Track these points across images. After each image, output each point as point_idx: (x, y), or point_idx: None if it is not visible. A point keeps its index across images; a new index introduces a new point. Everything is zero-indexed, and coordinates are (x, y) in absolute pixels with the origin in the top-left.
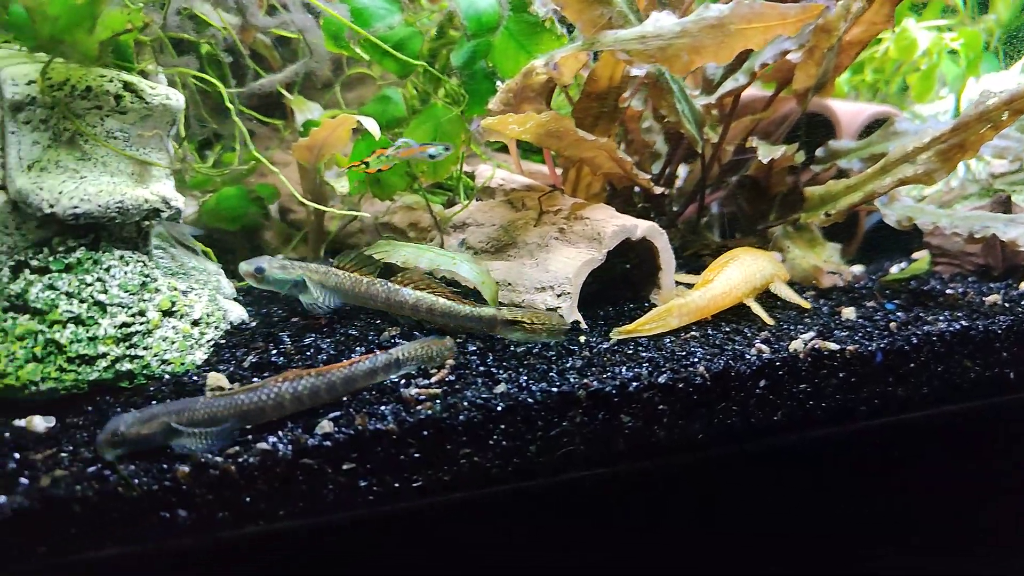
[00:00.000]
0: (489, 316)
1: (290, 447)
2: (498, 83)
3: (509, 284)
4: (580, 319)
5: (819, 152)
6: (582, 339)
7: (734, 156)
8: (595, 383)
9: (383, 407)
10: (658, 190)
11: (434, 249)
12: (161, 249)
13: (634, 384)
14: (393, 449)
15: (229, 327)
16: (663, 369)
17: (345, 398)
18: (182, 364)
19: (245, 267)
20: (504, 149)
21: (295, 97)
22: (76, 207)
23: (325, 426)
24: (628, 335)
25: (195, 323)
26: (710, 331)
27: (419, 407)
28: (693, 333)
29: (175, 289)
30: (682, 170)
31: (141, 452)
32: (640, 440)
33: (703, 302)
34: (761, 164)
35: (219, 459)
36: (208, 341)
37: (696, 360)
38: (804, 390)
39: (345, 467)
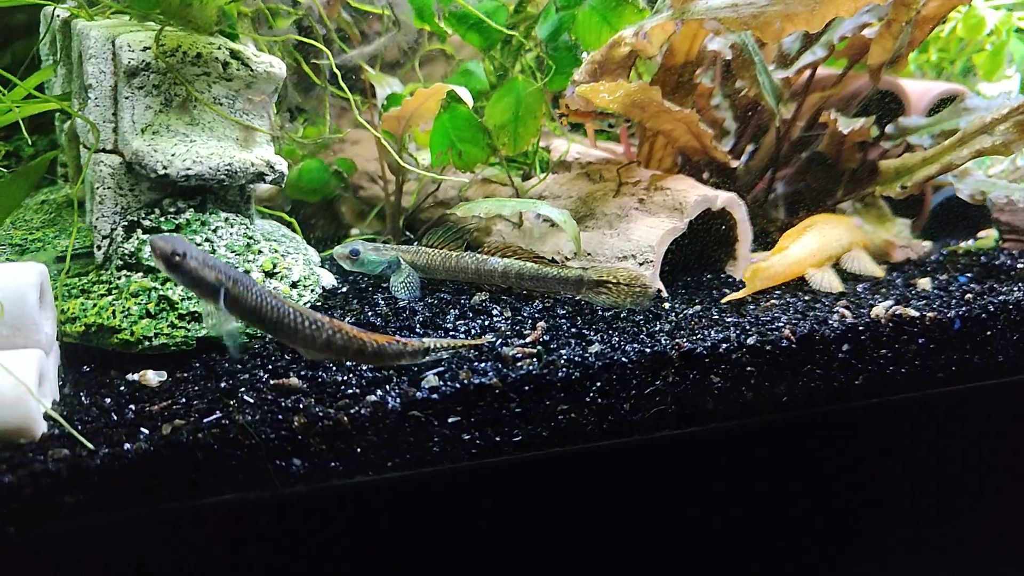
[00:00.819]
0: (576, 276)
1: (398, 400)
2: (583, 55)
3: (589, 254)
4: (662, 287)
5: (889, 128)
6: (666, 305)
7: (803, 133)
8: (687, 344)
9: (483, 364)
10: (735, 163)
11: (513, 199)
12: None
13: (723, 346)
14: (496, 404)
15: (322, 291)
16: (750, 332)
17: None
18: None
19: (340, 250)
20: (575, 128)
21: (375, 72)
22: (188, 168)
23: (431, 380)
24: (735, 300)
25: (294, 285)
26: (788, 298)
27: (518, 364)
28: (773, 300)
29: (275, 251)
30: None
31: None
32: (728, 400)
33: (781, 268)
34: (832, 140)
35: (331, 410)
36: (305, 303)
37: (781, 324)
38: (885, 355)
39: (450, 420)
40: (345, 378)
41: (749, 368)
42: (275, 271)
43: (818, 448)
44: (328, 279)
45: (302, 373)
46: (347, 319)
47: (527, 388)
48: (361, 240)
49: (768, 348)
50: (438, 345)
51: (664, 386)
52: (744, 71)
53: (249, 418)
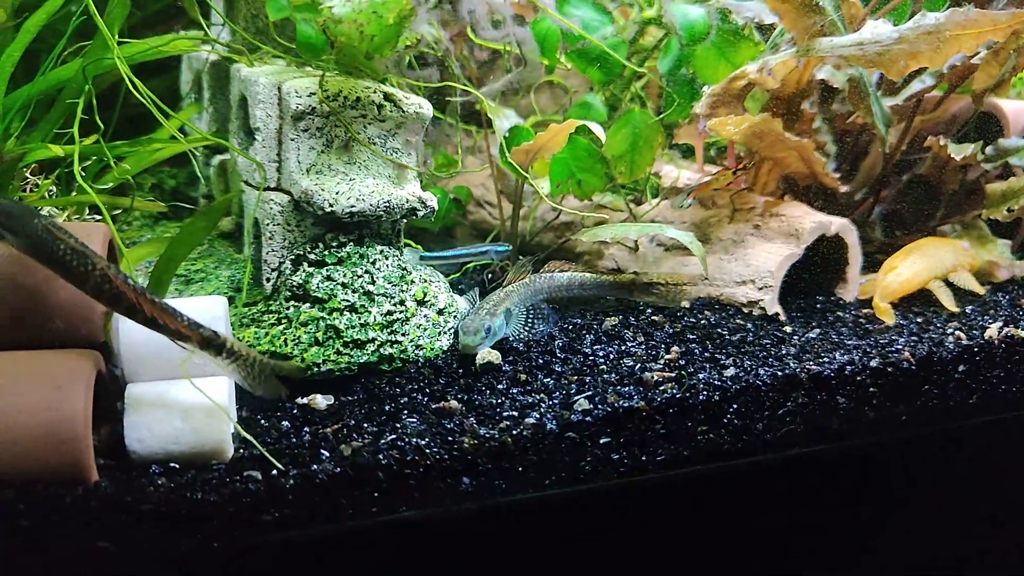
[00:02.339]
0: (628, 281)
1: (555, 422)
2: (703, 88)
3: (706, 279)
4: (780, 311)
5: (989, 150)
6: (788, 329)
7: (903, 156)
8: (814, 367)
9: (626, 387)
10: (844, 188)
11: (638, 224)
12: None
13: (849, 368)
14: (643, 425)
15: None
16: (871, 354)
17: (588, 380)
18: (432, 349)
19: (470, 340)
20: (686, 155)
21: (494, 104)
22: (353, 206)
23: (582, 403)
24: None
25: (440, 312)
26: (901, 320)
27: (660, 388)
28: (887, 324)
29: (425, 281)
30: None
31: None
32: (853, 420)
33: (896, 286)
34: (935, 162)
35: (495, 432)
36: (451, 328)
37: (899, 346)
38: (997, 375)
39: (601, 441)
40: (499, 401)
41: (872, 389)
42: (425, 300)
43: (935, 464)
44: (463, 303)
45: (459, 396)
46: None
47: (671, 411)
48: (480, 316)
49: (889, 370)
50: (232, 346)
51: (795, 407)
52: (859, 102)
53: (421, 441)
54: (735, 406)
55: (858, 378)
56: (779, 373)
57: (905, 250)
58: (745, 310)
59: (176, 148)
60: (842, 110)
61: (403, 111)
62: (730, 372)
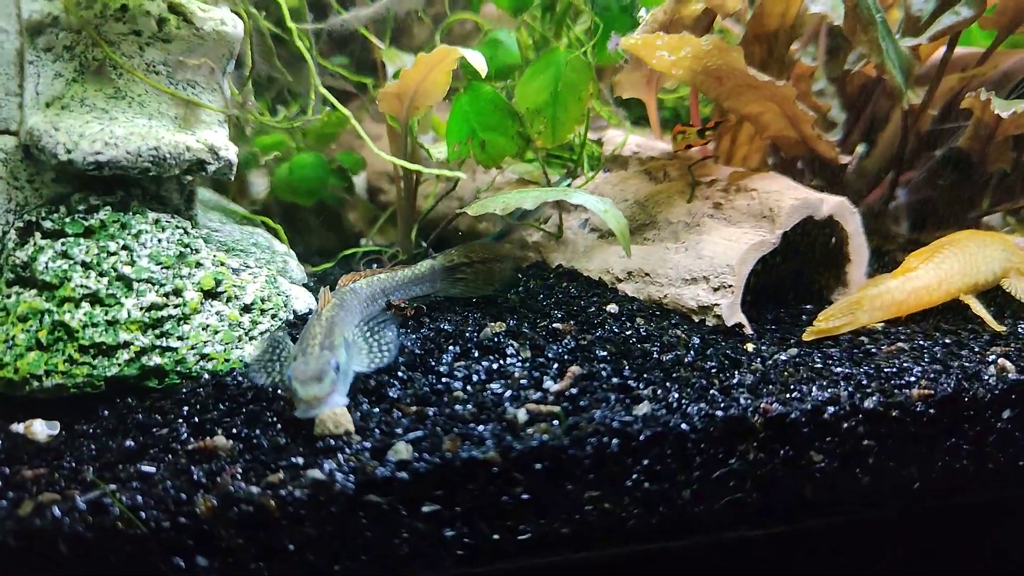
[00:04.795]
0: (428, 269)
1: (352, 477)
2: (642, 14)
3: (647, 274)
4: (744, 322)
5: None
6: (750, 347)
7: (935, 125)
8: (776, 406)
9: (481, 427)
10: (844, 159)
11: (537, 189)
12: (219, 223)
13: (830, 409)
14: (493, 487)
15: (292, 316)
16: (868, 389)
17: (432, 413)
18: (226, 361)
19: (315, 392)
20: (639, 122)
21: (386, 48)
22: (99, 153)
23: (401, 451)
24: (821, 335)
25: (246, 309)
26: (922, 340)
27: (531, 430)
28: (900, 344)
29: (222, 264)
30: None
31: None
32: (837, 487)
33: (901, 294)
34: (977, 133)
35: (255, 488)
36: (262, 332)
37: (913, 378)
38: None
39: (425, 510)
40: (287, 440)
41: (867, 442)
42: (219, 290)
43: (964, 555)
44: (305, 300)
45: (236, 430)
46: None
47: (540, 466)
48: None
49: (895, 413)
50: None
51: (743, 466)
52: (861, 33)
53: (139, 498)
54: (646, 461)
55: (844, 425)
56: (719, 413)
57: (933, 246)
58: (695, 318)
59: None
60: (854, 66)
61: (197, 29)
62: (643, 409)
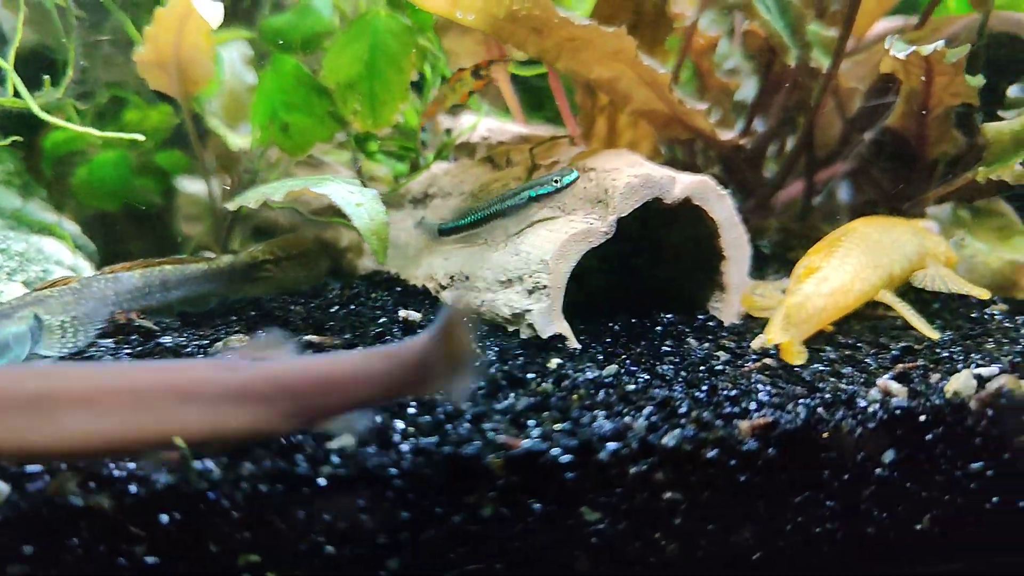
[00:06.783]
0: (227, 265)
1: None
2: None
3: (467, 277)
4: (566, 332)
5: (1015, 91)
6: (553, 363)
7: (865, 103)
8: (524, 441)
9: None
10: (727, 136)
11: (296, 179)
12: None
13: (611, 446)
14: None
15: None
16: (679, 419)
17: None
18: None
19: None
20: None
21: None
22: None
23: None
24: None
25: None
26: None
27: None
28: (767, 360)
29: None
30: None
31: None
32: (627, 558)
33: (821, 300)
34: (909, 107)
35: None
36: None
37: (751, 405)
38: (978, 472)
39: None
40: None
41: (669, 494)
42: None
43: None
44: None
45: None
46: None
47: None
48: None
49: (711, 454)
50: None
51: (474, 525)
52: None
53: None
54: (327, 516)
55: (632, 468)
56: (444, 450)
57: (827, 240)
58: (509, 329)
59: None
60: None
61: None
62: (335, 443)
